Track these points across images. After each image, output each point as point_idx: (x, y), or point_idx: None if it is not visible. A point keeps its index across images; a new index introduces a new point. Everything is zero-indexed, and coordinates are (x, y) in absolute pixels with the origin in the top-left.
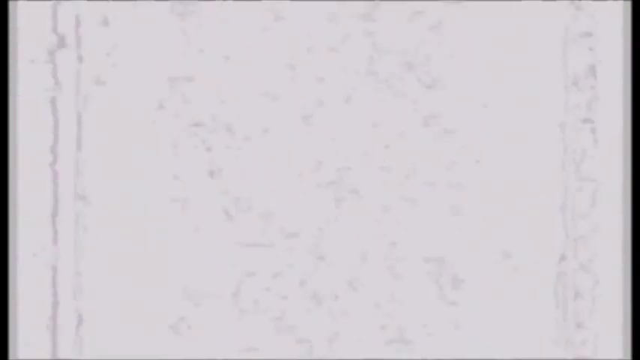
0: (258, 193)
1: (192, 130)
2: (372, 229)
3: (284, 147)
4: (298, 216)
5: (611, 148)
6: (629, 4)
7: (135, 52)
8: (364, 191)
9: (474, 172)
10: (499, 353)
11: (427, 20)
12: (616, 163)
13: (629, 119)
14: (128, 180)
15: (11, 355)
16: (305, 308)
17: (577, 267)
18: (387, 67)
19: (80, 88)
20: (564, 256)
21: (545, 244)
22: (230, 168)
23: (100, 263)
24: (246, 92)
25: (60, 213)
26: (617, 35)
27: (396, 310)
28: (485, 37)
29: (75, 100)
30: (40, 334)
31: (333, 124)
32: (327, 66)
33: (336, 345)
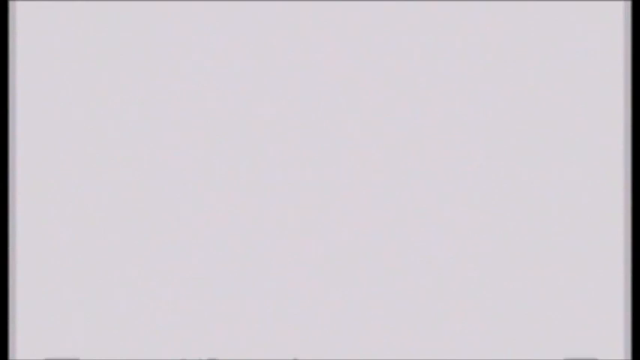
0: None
1: None
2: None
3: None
4: None
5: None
6: (629, 4)
7: None
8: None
9: None
10: (499, 354)
11: None
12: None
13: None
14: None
15: (11, 355)
16: None
17: (577, 267)
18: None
19: None
20: None
21: None
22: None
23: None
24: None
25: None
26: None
27: None
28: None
29: None
30: (40, 334)
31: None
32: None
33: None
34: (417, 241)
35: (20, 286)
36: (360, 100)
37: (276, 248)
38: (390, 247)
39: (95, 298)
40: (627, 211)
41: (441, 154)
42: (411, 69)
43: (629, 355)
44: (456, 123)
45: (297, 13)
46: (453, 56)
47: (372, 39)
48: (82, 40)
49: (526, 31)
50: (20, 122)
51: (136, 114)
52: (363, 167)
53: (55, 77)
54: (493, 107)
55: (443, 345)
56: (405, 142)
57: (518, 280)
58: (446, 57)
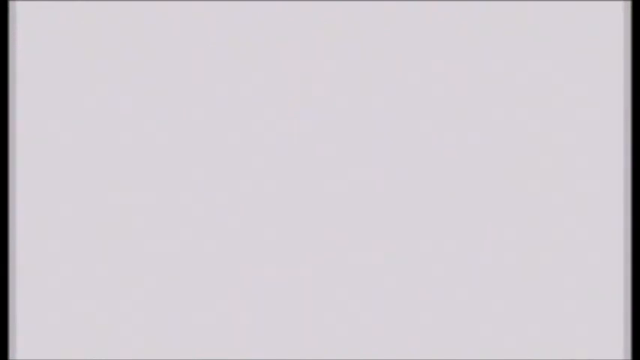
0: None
1: None
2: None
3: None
4: None
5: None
6: (629, 4)
7: None
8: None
9: None
10: (500, 354)
11: None
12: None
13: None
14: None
15: (11, 355)
16: None
17: (577, 267)
18: None
19: None
20: None
21: None
22: None
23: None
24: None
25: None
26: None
27: None
28: None
29: None
30: (40, 334)
31: None
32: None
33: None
34: (418, 242)
35: (20, 286)
36: (361, 101)
37: (276, 249)
38: (392, 248)
39: (95, 299)
40: (627, 211)
41: (442, 154)
42: (411, 69)
43: (629, 355)
44: (456, 123)
45: (294, 13)
46: (453, 56)
47: (372, 39)
48: (82, 40)
49: (526, 31)
50: (20, 121)
51: (135, 113)
52: (363, 167)
53: (55, 77)
54: (492, 107)
55: (443, 345)
56: (405, 143)
57: (518, 280)
58: (446, 57)
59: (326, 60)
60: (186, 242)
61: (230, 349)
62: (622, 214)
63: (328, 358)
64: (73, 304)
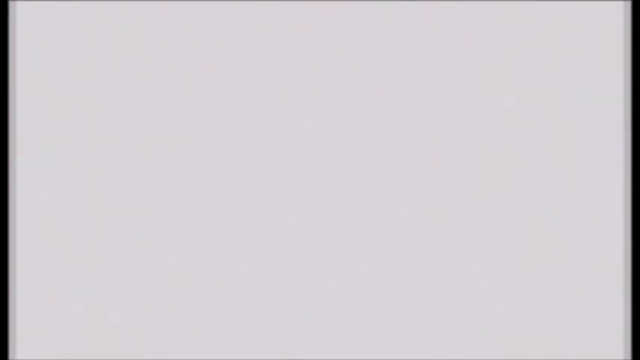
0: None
1: None
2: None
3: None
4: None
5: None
6: (629, 4)
7: None
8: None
9: None
10: (499, 354)
11: None
12: None
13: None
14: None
15: (11, 355)
16: None
17: (577, 267)
18: None
19: None
20: None
21: None
22: None
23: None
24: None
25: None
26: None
27: None
28: None
29: None
30: (40, 334)
31: None
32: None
33: None
34: (419, 241)
35: (20, 287)
36: (361, 101)
37: (275, 249)
38: (393, 248)
39: (95, 299)
40: (627, 213)
41: (442, 155)
42: (411, 69)
43: (629, 355)
44: (457, 124)
45: (294, 13)
46: (454, 56)
47: (373, 39)
48: (82, 40)
49: (526, 31)
50: (20, 121)
51: (135, 112)
52: (363, 168)
53: (54, 76)
54: (492, 108)
55: (443, 345)
56: (406, 144)
57: (518, 280)
58: (446, 57)
59: (325, 60)
60: (187, 243)
61: (230, 349)
62: (622, 215)
63: (328, 358)
64: (73, 304)
